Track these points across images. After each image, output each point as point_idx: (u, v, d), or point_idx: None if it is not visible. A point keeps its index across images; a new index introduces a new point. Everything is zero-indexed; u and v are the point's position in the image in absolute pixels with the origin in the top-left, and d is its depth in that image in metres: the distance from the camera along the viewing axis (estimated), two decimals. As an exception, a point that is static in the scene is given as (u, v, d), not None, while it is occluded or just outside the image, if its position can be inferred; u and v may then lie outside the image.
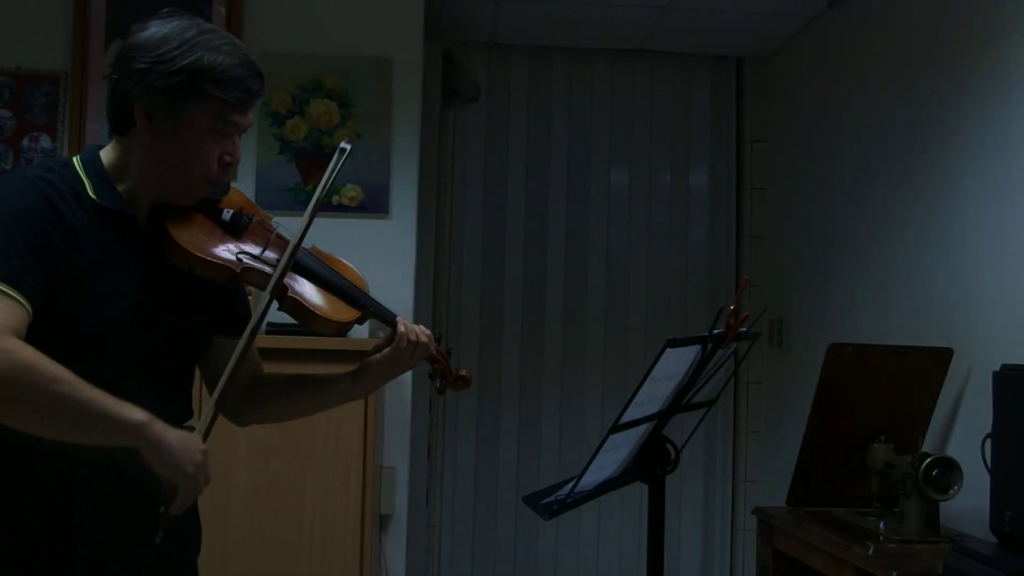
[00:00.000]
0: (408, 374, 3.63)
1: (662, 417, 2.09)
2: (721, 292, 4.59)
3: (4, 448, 1.55)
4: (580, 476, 1.97)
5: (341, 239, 2.40)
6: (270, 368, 1.92)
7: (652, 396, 1.98)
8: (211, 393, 1.85)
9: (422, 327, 1.78)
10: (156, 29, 1.61)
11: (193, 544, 1.81)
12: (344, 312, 1.75)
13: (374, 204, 3.65)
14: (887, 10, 3.47)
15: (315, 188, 3.69)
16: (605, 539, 4.54)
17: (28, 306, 1.47)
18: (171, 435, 1.50)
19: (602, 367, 4.56)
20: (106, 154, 1.67)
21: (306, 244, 1.79)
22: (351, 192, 3.64)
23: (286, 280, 1.71)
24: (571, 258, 4.58)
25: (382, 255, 3.56)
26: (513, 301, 4.54)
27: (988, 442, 2.36)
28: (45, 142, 3.53)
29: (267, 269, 1.68)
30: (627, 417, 1.92)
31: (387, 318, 1.78)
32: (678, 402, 2.10)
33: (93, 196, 1.60)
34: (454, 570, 4.47)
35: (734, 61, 4.65)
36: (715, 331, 2.00)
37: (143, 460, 1.49)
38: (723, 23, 4.18)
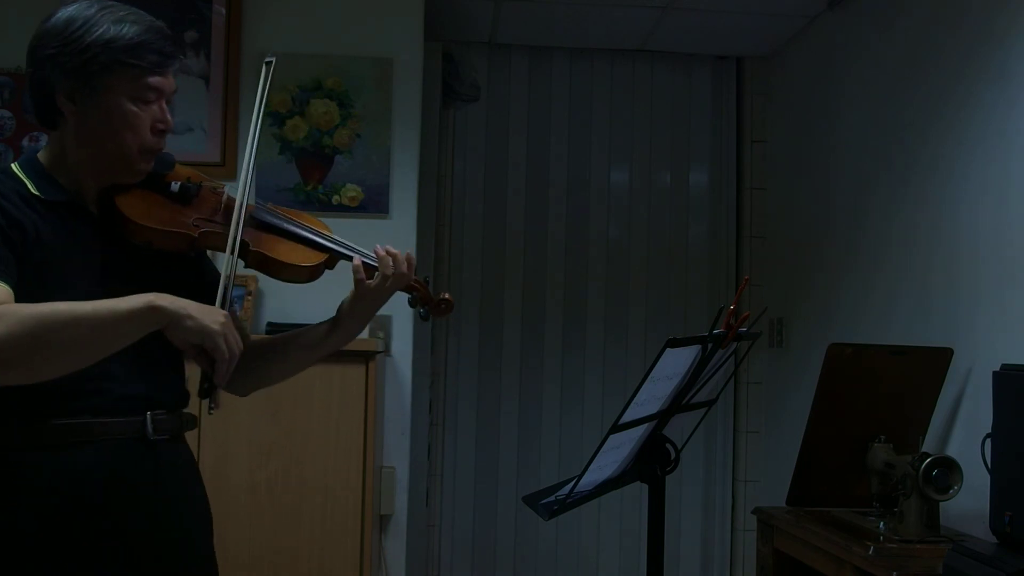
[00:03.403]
0: (407, 378, 3.65)
1: (662, 417, 2.09)
2: (721, 292, 4.59)
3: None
4: (580, 476, 1.97)
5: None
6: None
7: (652, 396, 1.98)
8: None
9: (402, 255, 1.78)
10: (59, 15, 1.65)
11: (204, 528, 1.81)
12: (309, 257, 1.77)
13: (374, 204, 3.65)
14: (886, 10, 3.47)
15: (315, 188, 3.71)
16: (605, 539, 4.54)
17: (9, 283, 1.51)
18: (184, 300, 1.53)
19: (602, 367, 4.56)
20: (43, 153, 1.70)
21: (264, 204, 1.82)
22: (351, 192, 3.64)
23: (246, 237, 1.73)
24: (571, 258, 4.58)
25: (382, 255, 3.56)
26: (513, 301, 4.55)
27: (988, 442, 2.36)
28: (45, 142, 3.53)
29: (224, 230, 1.70)
30: (627, 417, 1.92)
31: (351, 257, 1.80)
32: (678, 402, 2.10)
33: (36, 192, 1.63)
34: (454, 570, 4.47)
35: (734, 61, 4.65)
36: (715, 331, 2.00)
37: (168, 335, 1.52)
38: (723, 23, 4.18)
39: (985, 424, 2.40)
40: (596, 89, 4.63)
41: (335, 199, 3.63)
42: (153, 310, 1.50)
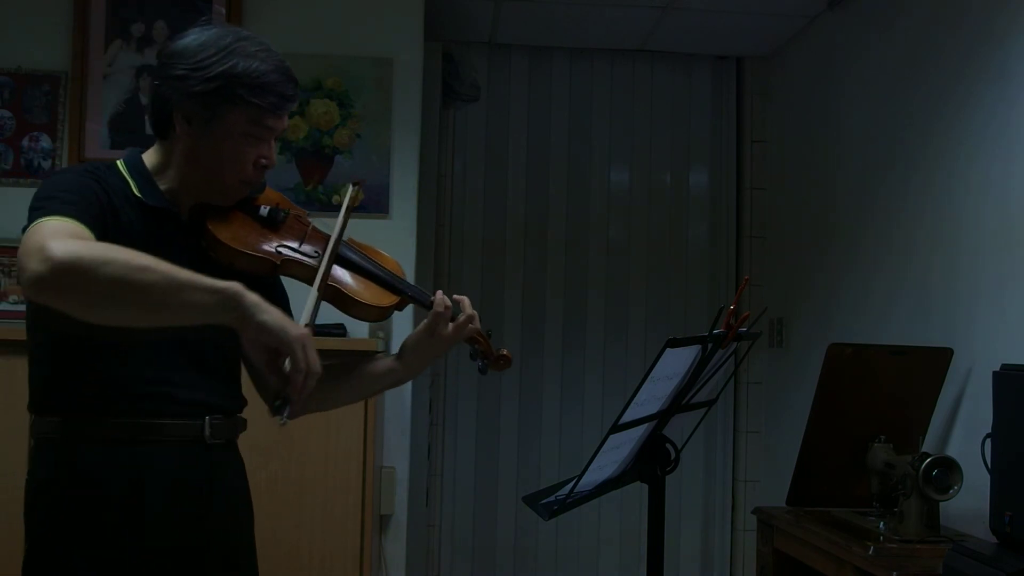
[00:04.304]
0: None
1: (662, 417, 2.09)
2: (721, 292, 4.59)
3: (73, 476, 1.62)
4: (580, 476, 1.97)
5: (341, 239, 2.39)
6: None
7: (652, 396, 1.98)
8: (254, 384, 1.89)
9: (468, 305, 1.83)
10: (194, 37, 1.67)
11: (247, 528, 1.85)
12: (383, 297, 1.81)
13: (374, 204, 3.64)
14: (886, 10, 3.47)
15: (315, 188, 3.71)
16: (605, 539, 4.54)
17: (91, 233, 1.51)
18: (268, 304, 1.48)
19: (602, 366, 4.56)
20: (148, 156, 1.74)
21: (343, 239, 1.85)
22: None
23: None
24: (571, 258, 4.58)
25: (382, 255, 3.56)
26: (513, 301, 4.55)
27: (988, 442, 2.36)
28: (45, 142, 3.53)
29: (306, 260, 1.74)
30: (627, 417, 1.92)
31: (424, 302, 1.83)
32: (678, 402, 2.10)
33: (138, 194, 1.67)
34: (454, 570, 4.47)
35: (734, 61, 4.65)
36: (715, 331, 2.00)
37: (242, 333, 1.47)
38: (723, 23, 4.18)
39: (985, 424, 2.40)
40: (596, 89, 4.63)
41: (335, 199, 3.63)
42: (234, 294, 1.45)
